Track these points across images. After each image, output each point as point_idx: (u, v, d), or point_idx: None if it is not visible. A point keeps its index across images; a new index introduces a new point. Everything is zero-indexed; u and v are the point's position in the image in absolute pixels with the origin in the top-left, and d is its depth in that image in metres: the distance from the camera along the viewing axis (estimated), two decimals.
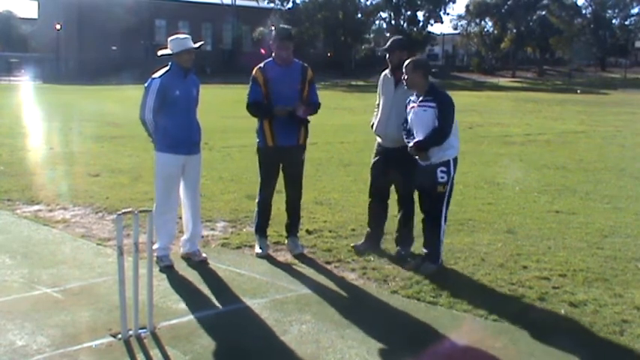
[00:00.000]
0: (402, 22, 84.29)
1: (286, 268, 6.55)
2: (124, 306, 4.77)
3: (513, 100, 40.80)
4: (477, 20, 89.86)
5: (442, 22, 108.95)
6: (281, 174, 7.09)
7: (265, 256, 6.87)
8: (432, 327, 5.11)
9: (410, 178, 6.79)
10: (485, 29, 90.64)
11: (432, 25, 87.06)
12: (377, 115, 7.05)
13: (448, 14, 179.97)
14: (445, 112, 6.21)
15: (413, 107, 6.37)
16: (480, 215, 8.65)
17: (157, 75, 6.51)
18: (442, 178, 6.23)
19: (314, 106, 6.96)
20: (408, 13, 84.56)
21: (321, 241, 7.44)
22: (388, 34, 76.27)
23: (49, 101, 34.43)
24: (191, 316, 5.25)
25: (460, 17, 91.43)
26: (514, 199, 9.85)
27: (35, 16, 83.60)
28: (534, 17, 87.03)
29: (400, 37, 7.68)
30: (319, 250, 7.08)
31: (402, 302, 5.61)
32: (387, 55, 6.89)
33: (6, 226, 8.03)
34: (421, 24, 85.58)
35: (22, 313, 5.21)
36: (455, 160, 6.31)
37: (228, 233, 7.81)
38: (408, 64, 6.37)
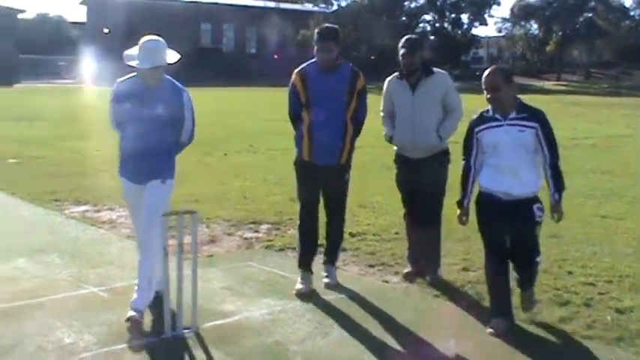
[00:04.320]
0: (445, 25, 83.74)
1: None
2: (168, 306, 4.84)
3: (559, 103, 40.17)
4: (522, 23, 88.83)
5: (487, 25, 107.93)
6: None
7: (307, 294, 5.76)
8: (477, 327, 5.09)
9: (440, 191, 6.06)
10: (530, 32, 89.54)
11: (476, 27, 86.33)
12: (389, 124, 6.27)
13: (492, 17, 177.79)
14: (552, 136, 4.98)
15: (498, 127, 4.95)
16: None
17: (120, 79, 5.36)
18: (540, 217, 5.01)
19: (354, 135, 5.96)
20: (452, 15, 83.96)
21: (365, 244, 7.44)
22: (432, 37, 75.92)
23: (99, 104, 34.84)
24: (234, 318, 5.30)
25: (504, 20, 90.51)
26: None
27: (84, 20, 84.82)
28: (580, 19, 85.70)
29: (413, 36, 6.46)
30: (362, 254, 7.08)
31: (446, 306, 5.59)
32: (406, 58, 5.89)
33: (55, 226, 8.20)
34: (465, 26, 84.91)
35: (70, 312, 5.34)
36: None
37: (272, 235, 7.86)
38: (497, 74, 4.93)
